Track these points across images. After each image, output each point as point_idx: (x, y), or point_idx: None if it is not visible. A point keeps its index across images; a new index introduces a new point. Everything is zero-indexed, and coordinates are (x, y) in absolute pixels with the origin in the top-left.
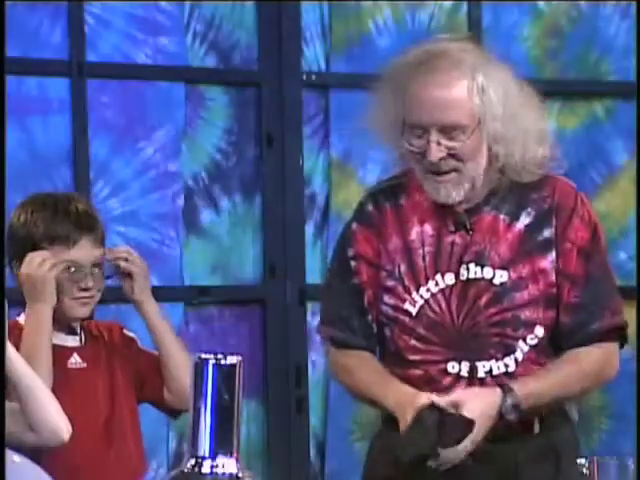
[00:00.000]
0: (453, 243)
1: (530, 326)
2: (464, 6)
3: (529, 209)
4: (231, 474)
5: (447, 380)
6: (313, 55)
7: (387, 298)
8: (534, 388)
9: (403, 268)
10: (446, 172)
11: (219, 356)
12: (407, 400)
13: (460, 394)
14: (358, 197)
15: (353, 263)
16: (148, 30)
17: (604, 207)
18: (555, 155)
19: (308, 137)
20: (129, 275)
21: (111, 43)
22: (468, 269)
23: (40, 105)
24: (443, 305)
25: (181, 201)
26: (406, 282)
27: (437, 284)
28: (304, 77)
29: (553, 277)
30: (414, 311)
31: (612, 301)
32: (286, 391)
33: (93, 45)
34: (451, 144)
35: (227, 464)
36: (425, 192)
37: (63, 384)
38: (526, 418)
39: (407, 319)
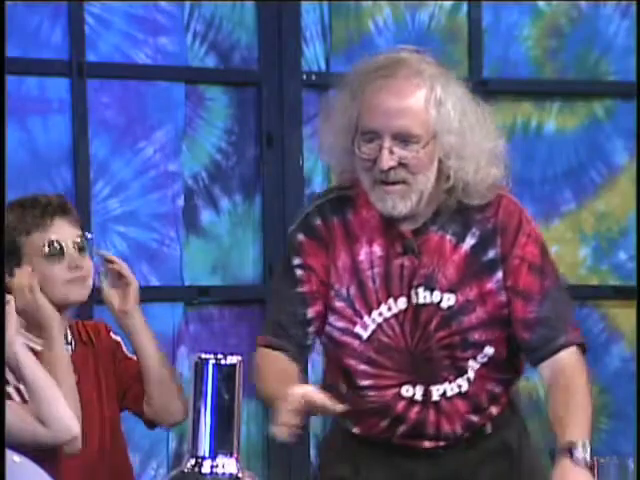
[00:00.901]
0: (402, 266)
1: (479, 347)
2: (464, 6)
3: (474, 229)
4: (231, 474)
5: (401, 404)
6: (313, 55)
7: (334, 320)
8: (584, 432)
9: (352, 290)
10: (395, 182)
11: (219, 356)
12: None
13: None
14: None
15: (299, 272)
16: (148, 30)
17: (604, 207)
18: (506, 176)
19: (308, 137)
20: (121, 282)
21: (111, 43)
22: (417, 294)
23: (40, 105)
24: (397, 329)
25: (181, 201)
26: (356, 305)
27: (390, 309)
28: (304, 77)
29: (501, 297)
30: (365, 335)
31: (571, 316)
32: None
33: (93, 45)
34: (404, 153)
35: (227, 464)
36: (372, 208)
37: None
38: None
39: (357, 342)
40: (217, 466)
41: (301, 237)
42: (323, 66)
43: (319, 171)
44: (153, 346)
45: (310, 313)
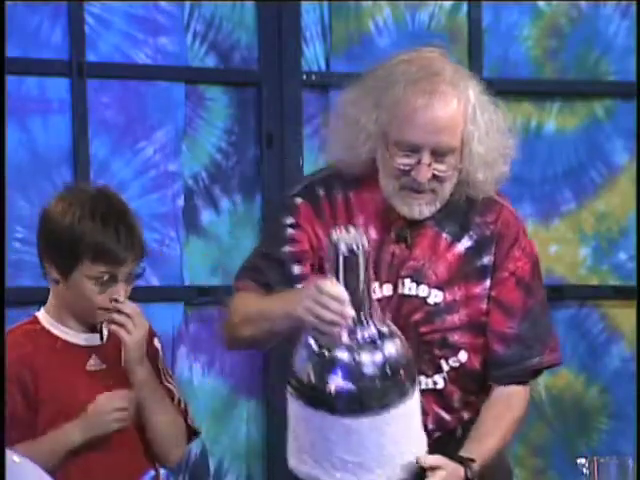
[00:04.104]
0: (393, 254)
1: (455, 350)
2: (464, 6)
3: (471, 232)
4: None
5: None
6: (313, 55)
7: None
8: (486, 452)
9: None
10: (424, 191)
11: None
12: (302, 292)
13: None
14: None
15: (291, 230)
16: (148, 30)
17: (604, 207)
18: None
19: (308, 137)
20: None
21: (111, 43)
22: (404, 284)
23: (40, 105)
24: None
25: (181, 201)
26: None
27: (374, 292)
28: (304, 77)
29: (483, 305)
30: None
31: (551, 338)
32: (286, 391)
33: (93, 45)
34: (440, 167)
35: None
36: (374, 191)
37: (83, 387)
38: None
39: None
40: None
41: (299, 201)
42: (323, 66)
43: None
44: (157, 403)
45: (299, 270)
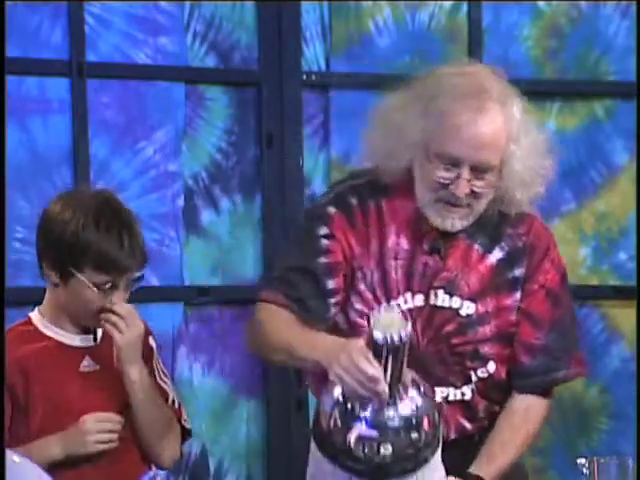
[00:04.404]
0: (426, 264)
1: (485, 360)
2: (464, 6)
3: (503, 244)
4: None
5: None
6: (313, 55)
7: (354, 301)
8: (498, 467)
9: (376, 276)
10: (460, 205)
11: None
12: (337, 349)
13: None
14: None
15: (326, 242)
16: (148, 30)
17: (604, 207)
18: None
19: (308, 137)
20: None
21: (111, 43)
22: (437, 295)
23: (40, 105)
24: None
25: (181, 201)
26: (377, 291)
27: (406, 302)
28: (304, 77)
29: (513, 316)
30: None
31: (578, 351)
32: (286, 391)
33: (93, 45)
34: (478, 183)
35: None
36: (406, 199)
37: (76, 389)
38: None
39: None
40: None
41: (332, 210)
42: (323, 66)
43: (319, 171)
44: (150, 404)
45: (333, 284)
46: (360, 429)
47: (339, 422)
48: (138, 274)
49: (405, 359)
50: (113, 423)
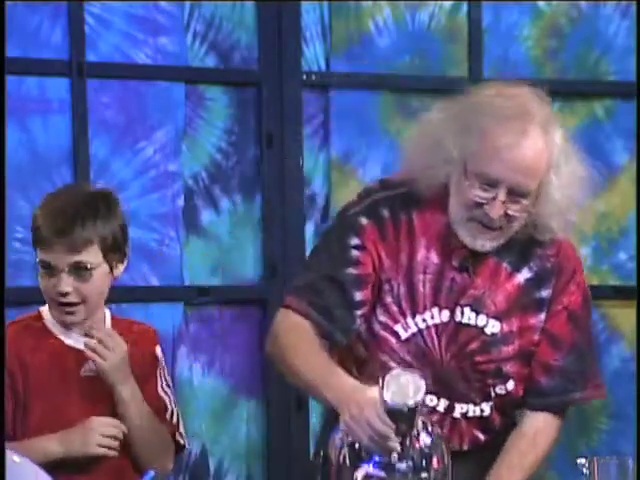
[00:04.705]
0: (454, 280)
1: (505, 379)
2: (464, 6)
3: (531, 264)
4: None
5: None
6: (313, 55)
7: (379, 312)
8: None
9: (403, 289)
10: (493, 227)
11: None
12: (349, 396)
13: None
14: None
15: (356, 252)
16: (148, 30)
17: (604, 207)
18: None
19: (308, 137)
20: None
21: (111, 43)
22: (463, 312)
23: (40, 105)
24: (435, 340)
25: (181, 201)
26: (403, 304)
27: (433, 317)
28: (304, 77)
29: (535, 336)
30: (404, 335)
31: (596, 373)
32: (286, 391)
33: (93, 45)
34: (514, 207)
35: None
36: (437, 213)
37: (74, 392)
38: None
39: (394, 340)
40: None
41: (364, 221)
42: (323, 66)
43: (319, 171)
44: (142, 420)
45: (360, 296)
46: (368, 470)
47: (347, 460)
48: (79, 259)
49: (419, 418)
50: (118, 430)
